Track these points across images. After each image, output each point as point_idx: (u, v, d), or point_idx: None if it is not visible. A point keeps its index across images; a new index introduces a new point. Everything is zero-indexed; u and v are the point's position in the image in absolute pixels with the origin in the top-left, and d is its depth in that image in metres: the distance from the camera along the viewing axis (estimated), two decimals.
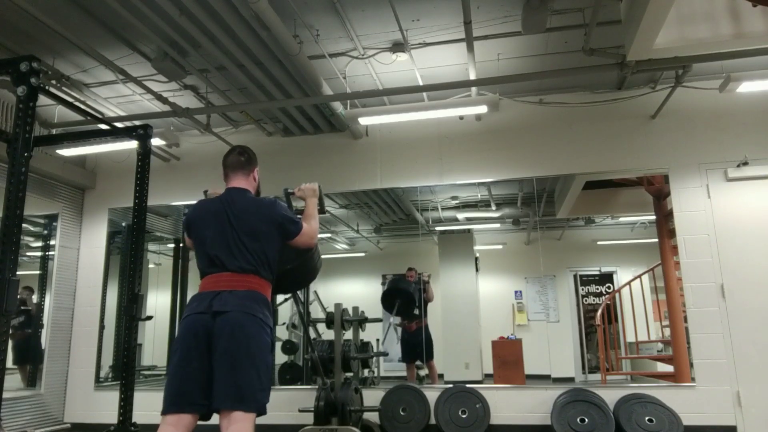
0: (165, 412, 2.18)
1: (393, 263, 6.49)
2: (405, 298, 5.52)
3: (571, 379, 5.64)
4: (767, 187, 4.60)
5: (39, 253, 5.81)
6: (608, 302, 5.63)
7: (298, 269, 2.87)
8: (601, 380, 5.21)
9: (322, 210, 2.99)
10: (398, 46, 4.26)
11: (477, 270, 6.11)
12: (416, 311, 5.65)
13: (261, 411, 2.20)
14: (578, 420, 4.28)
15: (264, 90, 4.62)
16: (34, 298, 5.59)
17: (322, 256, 3.07)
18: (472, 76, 4.30)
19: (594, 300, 5.85)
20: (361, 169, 5.44)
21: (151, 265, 6.46)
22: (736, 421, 4.29)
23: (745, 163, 4.62)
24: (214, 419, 2.25)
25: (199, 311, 2.27)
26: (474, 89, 4.65)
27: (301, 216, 2.75)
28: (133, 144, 3.79)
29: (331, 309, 4.44)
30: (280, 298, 6.09)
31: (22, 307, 5.49)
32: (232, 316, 2.23)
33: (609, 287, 5.85)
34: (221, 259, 2.35)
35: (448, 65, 4.60)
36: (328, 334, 4.38)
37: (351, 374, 4.44)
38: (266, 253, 2.42)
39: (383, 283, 5.74)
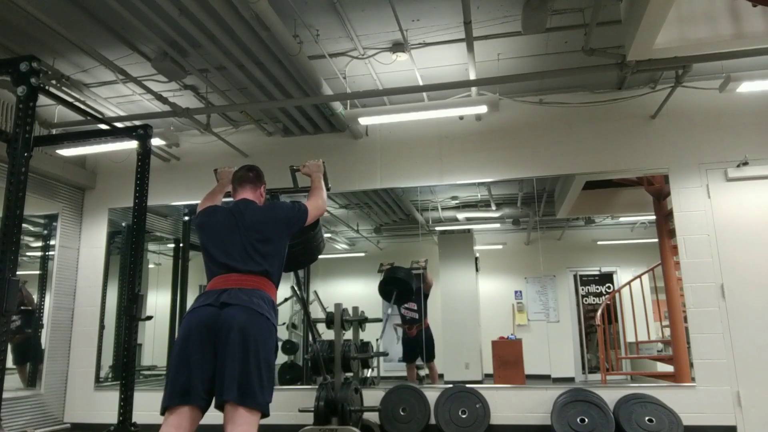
0: (167, 404, 2.17)
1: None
2: (402, 287, 5.53)
3: (571, 379, 5.63)
4: (767, 187, 4.61)
5: (39, 253, 5.81)
6: (608, 302, 5.63)
7: (299, 247, 2.88)
8: (601, 380, 5.21)
9: (326, 185, 3.07)
10: (398, 46, 4.26)
11: (477, 270, 6.10)
12: (416, 315, 5.65)
13: (264, 410, 2.19)
14: (578, 420, 4.28)
15: (264, 90, 4.61)
16: (34, 298, 5.58)
17: (325, 256, 3.08)
18: (472, 76, 4.30)
19: (594, 300, 5.84)
20: (361, 169, 5.44)
21: (151, 265, 6.46)
22: (736, 421, 4.29)
23: (745, 163, 4.62)
24: (215, 420, 2.25)
25: (206, 304, 2.28)
26: (474, 89, 4.65)
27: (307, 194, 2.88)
28: (133, 144, 3.79)
29: (331, 309, 4.44)
30: (280, 298, 6.08)
31: (21, 307, 5.48)
32: (240, 310, 2.24)
33: (609, 287, 5.84)
34: (231, 262, 2.40)
35: (448, 65, 4.60)
36: (328, 334, 4.38)
37: (351, 374, 4.44)
38: (278, 254, 2.51)
39: (380, 271, 5.73)
